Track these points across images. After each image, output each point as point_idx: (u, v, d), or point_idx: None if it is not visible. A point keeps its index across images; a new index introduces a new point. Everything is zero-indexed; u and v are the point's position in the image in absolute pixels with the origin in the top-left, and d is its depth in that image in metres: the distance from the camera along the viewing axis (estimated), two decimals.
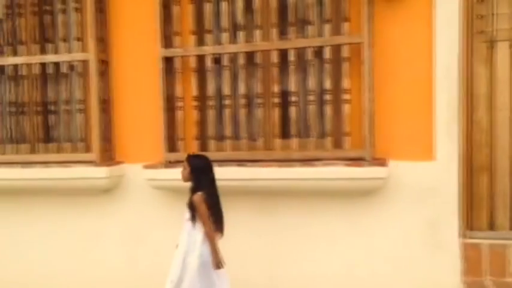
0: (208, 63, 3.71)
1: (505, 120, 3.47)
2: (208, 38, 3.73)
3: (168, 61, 3.78)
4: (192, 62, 3.74)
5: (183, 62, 3.78)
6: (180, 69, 3.77)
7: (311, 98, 3.56)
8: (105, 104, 3.98)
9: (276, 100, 3.61)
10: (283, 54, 3.58)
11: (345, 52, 3.43)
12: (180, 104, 3.78)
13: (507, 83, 3.46)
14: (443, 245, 3.46)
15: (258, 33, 3.62)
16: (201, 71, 3.76)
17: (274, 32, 3.59)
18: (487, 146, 3.51)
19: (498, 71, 3.47)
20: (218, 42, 3.75)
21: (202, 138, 3.81)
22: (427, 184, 3.45)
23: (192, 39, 3.74)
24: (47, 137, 4.14)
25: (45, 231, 4.17)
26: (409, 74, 3.45)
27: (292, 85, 3.57)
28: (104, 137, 3.95)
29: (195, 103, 3.76)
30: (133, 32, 3.92)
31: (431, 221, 3.47)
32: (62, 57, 3.97)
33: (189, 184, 3.18)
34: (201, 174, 3.17)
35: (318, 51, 3.53)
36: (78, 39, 3.96)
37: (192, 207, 3.12)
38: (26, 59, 4.05)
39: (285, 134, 3.67)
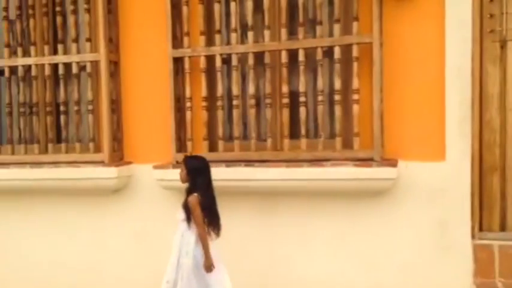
0: (218, 63, 3.71)
1: None
2: (218, 38, 3.73)
3: (178, 61, 3.79)
4: (201, 63, 3.74)
5: (192, 63, 3.78)
6: (189, 70, 3.77)
7: (320, 98, 3.54)
8: (115, 105, 3.99)
9: (285, 100, 3.60)
10: (292, 54, 3.57)
11: (355, 52, 3.42)
12: (189, 104, 3.79)
13: None
14: (454, 246, 3.43)
15: (267, 33, 3.62)
16: (210, 72, 3.77)
17: (283, 32, 3.58)
18: (499, 146, 3.47)
19: (509, 71, 3.43)
20: (227, 42, 3.75)
21: (211, 139, 3.81)
22: (438, 185, 3.42)
23: (201, 39, 3.75)
24: (57, 137, 4.17)
25: (54, 231, 4.19)
26: (419, 74, 3.42)
27: (301, 85, 3.56)
28: (113, 137, 3.97)
29: (204, 103, 3.76)
30: (143, 33, 3.94)
31: (442, 222, 3.44)
32: (73, 58, 3.99)
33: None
34: (197, 175, 3.18)
35: (328, 51, 3.52)
36: (89, 39, 3.98)
37: (187, 208, 3.12)
38: (37, 59, 4.07)
39: (293, 134, 3.66)
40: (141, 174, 3.95)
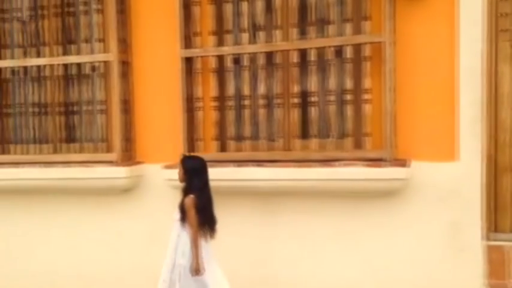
0: (228, 63, 3.72)
1: None
2: (228, 38, 3.74)
3: (188, 61, 3.80)
4: (212, 63, 3.75)
5: (203, 63, 3.79)
6: (200, 70, 3.79)
7: (331, 98, 3.54)
8: (126, 105, 4.01)
9: (296, 100, 3.60)
10: (303, 54, 3.57)
11: (366, 51, 3.41)
12: (199, 104, 3.80)
13: None
14: (466, 247, 3.40)
15: (277, 33, 3.62)
16: (220, 72, 3.77)
17: (293, 31, 3.58)
18: (511, 146, 3.43)
19: None
20: (238, 42, 3.75)
21: (221, 139, 3.81)
22: (450, 185, 3.39)
23: (211, 39, 3.76)
24: (69, 137, 4.20)
25: (65, 230, 4.21)
26: (431, 73, 3.40)
27: (312, 85, 3.55)
28: (124, 137, 3.99)
29: (214, 103, 3.76)
30: (154, 33, 3.95)
31: (454, 223, 3.41)
32: (84, 58, 4.02)
33: None
34: (193, 175, 3.18)
35: (338, 51, 3.51)
36: (100, 40, 4.01)
37: (182, 209, 3.13)
38: (49, 60, 4.11)
39: (304, 134, 3.65)
40: (152, 174, 3.97)
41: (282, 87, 3.67)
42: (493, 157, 3.45)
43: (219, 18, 3.80)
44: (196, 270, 3.08)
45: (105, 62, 3.98)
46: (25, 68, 4.19)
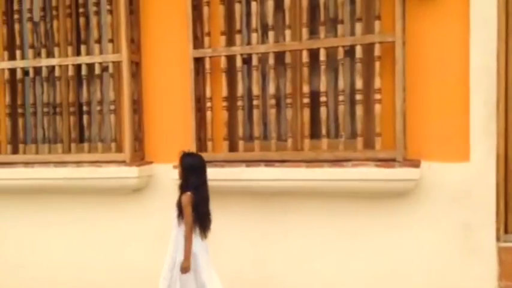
0: (238, 63, 3.71)
1: None
2: (238, 38, 3.73)
3: (198, 62, 3.80)
4: (222, 63, 3.75)
5: (213, 63, 3.79)
6: (210, 70, 3.78)
7: (341, 97, 3.52)
8: (136, 105, 4.03)
9: (306, 100, 3.58)
10: (313, 53, 3.55)
11: (377, 51, 3.38)
12: (209, 104, 3.80)
13: None
14: (479, 248, 3.36)
15: (287, 32, 3.61)
16: (230, 72, 3.77)
17: (304, 31, 3.56)
18: None
19: None
20: (248, 42, 3.75)
21: (231, 139, 3.81)
22: (462, 186, 3.36)
23: (222, 39, 3.75)
24: (80, 137, 4.22)
25: (76, 230, 4.24)
26: (443, 73, 3.37)
27: (322, 85, 3.53)
28: (134, 137, 4.00)
29: (224, 103, 3.76)
30: (164, 33, 3.96)
31: (466, 224, 3.37)
32: (95, 59, 4.03)
33: None
34: (190, 173, 3.20)
35: (349, 51, 3.49)
36: (111, 40, 4.03)
37: (179, 206, 3.16)
38: (60, 60, 4.13)
39: (314, 134, 3.64)
40: (162, 174, 3.98)
41: (292, 87, 3.66)
42: (506, 157, 3.40)
43: (229, 18, 3.80)
44: (185, 268, 3.11)
45: (116, 63, 4.00)
46: (37, 68, 4.22)
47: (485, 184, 3.32)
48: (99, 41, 4.05)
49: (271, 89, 3.66)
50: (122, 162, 3.93)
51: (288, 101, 3.66)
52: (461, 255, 3.39)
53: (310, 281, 3.69)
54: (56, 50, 4.17)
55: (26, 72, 4.27)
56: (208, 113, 3.80)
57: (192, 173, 3.20)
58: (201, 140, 3.85)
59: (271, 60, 3.63)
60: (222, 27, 3.75)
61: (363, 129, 3.48)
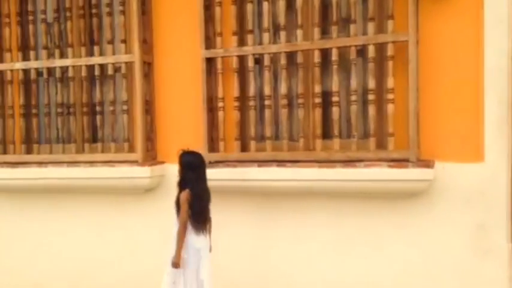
0: (250, 63, 3.72)
1: None
2: (250, 38, 3.73)
3: (210, 62, 3.81)
4: (233, 63, 3.75)
5: (225, 63, 3.79)
6: (222, 70, 3.79)
7: (353, 97, 3.50)
8: (148, 105, 4.05)
9: (318, 100, 3.57)
10: (325, 53, 3.54)
11: (390, 51, 3.36)
12: (221, 104, 3.80)
13: None
14: (492, 250, 3.33)
15: (299, 32, 3.60)
16: (242, 72, 3.78)
17: (316, 31, 3.55)
18: None
19: None
20: (259, 42, 3.75)
21: (243, 139, 3.81)
22: (476, 186, 3.33)
23: (233, 39, 3.76)
24: (93, 137, 4.25)
25: (89, 229, 4.27)
26: (456, 73, 3.34)
27: (334, 85, 3.52)
28: (147, 137, 4.02)
29: (236, 103, 3.76)
30: (176, 34, 3.98)
31: (480, 225, 3.34)
32: (108, 59, 4.06)
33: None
34: (188, 170, 3.24)
35: (361, 50, 3.47)
36: (123, 41, 4.05)
37: (178, 203, 3.21)
38: (74, 61, 4.16)
39: (326, 134, 3.63)
40: (174, 174, 3.95)
41: (304, 87, 3.65)
42: None
43: (241, 18, 3.80)
44: (176, 263, 3.16)
45: (128, 63, 4.01)
46: (50, 69, 4.25)
47: (499, 185, 3.29)
48: (111, 41, 4.08)
49: (283, 89, 3.65)
50: (135, 162, 3.96)
51: (300, 101, 3.65)
52: (475, 256, 3.36)
53: (323, 280, 3.67)
54: (69, 50, 4.21)
55: (39, 73, 4.31)
56: (220, 113, 3.80)
57: (189, 171, 3.24)
58: (213, 140, 3.86)
59: (282, 60, 3.63)
60: (233, 27, 3.76)
61: (376, 129, 3.46)
